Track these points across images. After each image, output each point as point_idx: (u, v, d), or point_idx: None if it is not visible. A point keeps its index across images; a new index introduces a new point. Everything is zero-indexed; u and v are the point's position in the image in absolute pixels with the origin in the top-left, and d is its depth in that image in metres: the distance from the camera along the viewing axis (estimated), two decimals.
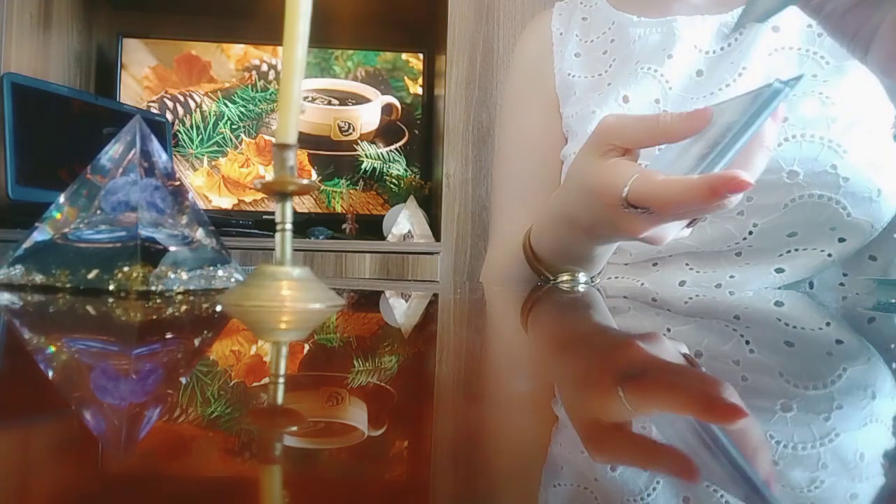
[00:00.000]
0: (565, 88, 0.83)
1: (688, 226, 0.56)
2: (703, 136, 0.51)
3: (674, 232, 0.54)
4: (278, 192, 0.38)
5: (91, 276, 0.42)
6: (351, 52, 2.06)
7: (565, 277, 0.66)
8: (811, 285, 0.73)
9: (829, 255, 0.69)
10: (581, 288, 0.65)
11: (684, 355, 0.30)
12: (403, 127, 2.06)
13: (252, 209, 1.99)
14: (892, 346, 0.36)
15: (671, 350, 0.32)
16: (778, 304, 0.57)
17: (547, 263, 0.67)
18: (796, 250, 0.70)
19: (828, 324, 0.48)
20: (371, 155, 2.03)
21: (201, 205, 1.86)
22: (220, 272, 0.46)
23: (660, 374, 0.26)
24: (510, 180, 0.88)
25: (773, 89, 0.48)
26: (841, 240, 0.68)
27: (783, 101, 0.49)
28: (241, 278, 0.47)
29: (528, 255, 0.68)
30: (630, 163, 0.54)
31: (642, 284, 0.76)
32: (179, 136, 1.98)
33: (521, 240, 0.71)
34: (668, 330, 0.40)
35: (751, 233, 0.69)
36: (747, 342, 0.34)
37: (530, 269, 0.69)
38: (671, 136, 0.53)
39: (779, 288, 0.72)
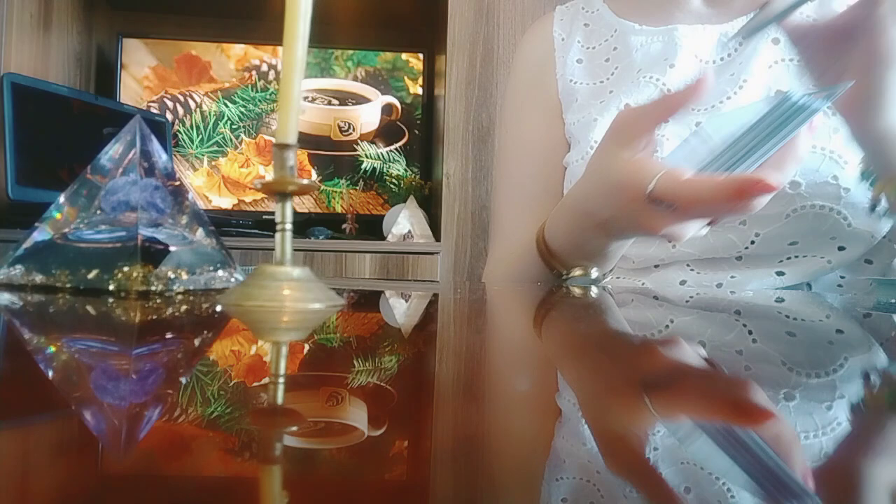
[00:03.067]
0: (567, 94, 0.83)
1: (708, 224, 0.56)
2: (722, 142, 0.52)
3: (693, 230, 0.55)
4: (278, 192, 0.38)
5: (91, 276, 0.42)
6: (351, 52, 2.06)
7: (578, 272, 0.66)
8: (809, 286, 0.73)
9: (829, 261, 0.70)
10: (592, 282, 0.65)
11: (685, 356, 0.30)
12: (403, 127, 2.06)
13: (252, 209, 1.99)
14: (892, 335, 0.36)
15: (680, 348, 0.32)
16: (779, 300, 0.57)
17: (560, 258, 0.67)
18: (796, 257, 0.70)
19: (828, 316, 0.48)
20: (371, 155, 2.03)
21: (201, 205, 1.86)
22: (220, 272, 0.46)
23: (675, 376, 0.26)
24: (511, 185, 0.88)
25: (796, 105, 0.49)
26: (841, 248, 0.69)
27: (816, 113, 0.50)
28: (241, 278, 0.47)
29: (542, 250, 0.68)
30: (654, 160, 0.55)
31: (643, 284, 0.76)
32: (179, 136, 1.98)
33: (527, 239, 0.71)
34: (672, 321, 0.40)
35: (752, 242, 0.70)
36: (750, 332, 0.34)
37: (539, 267, 0.69)
38: (678, 103, 0.54)
39: (777, 289, 0.72)
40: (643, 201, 0.53)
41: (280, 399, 0.21)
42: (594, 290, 0.62)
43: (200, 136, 1.99)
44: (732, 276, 0.73)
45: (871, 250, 0.70)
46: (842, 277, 0.74)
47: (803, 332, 0.39)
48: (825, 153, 0.66)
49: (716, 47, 0.76)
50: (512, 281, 0.79)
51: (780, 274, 0.71)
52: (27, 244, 0.45)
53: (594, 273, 0.66)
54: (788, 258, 0.71)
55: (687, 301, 0.57)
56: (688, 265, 0.74)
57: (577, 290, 0.61)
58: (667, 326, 0.39)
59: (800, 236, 0.69)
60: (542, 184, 0.84)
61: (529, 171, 0.86)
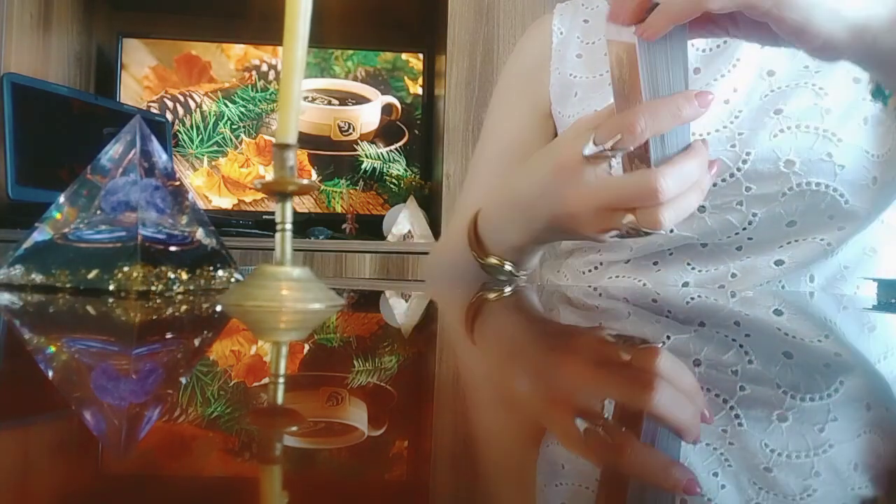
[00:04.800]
0: (564, 89, 0.84)
1: (626, 235, 0.54)
2: None
3: (620, 223, 0.52)
4: (278, 192, 0.38)
5: (91, 276, 0.42)
6: (351, 52, 2.05)
7: (493, 261, 0.65)
8: (811, 279, 0.73)
9: (829, 244, 0.70)
10: (507, 277, 0.65)
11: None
12: (403, 127, 2.06)
13: (252, 209, 1.99)
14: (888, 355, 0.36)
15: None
16: (777, 312, 0.57)
17: (484, 247, 0.66)
18: (796, 241, 0.71)
19: (826, 336, 0.48)
20: (371, 155, 2.03)
21: (201, 205, 1.86)
22: (220, 272, 0.46)
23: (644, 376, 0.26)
24: (482, 173, 0.88)
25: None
26: (840, 228, 0.69)
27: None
28: (241, 278, 0.47)
29: (470, 237, 0.68)
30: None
31: (644, 284, 0.76)
32: (179, 136, 1.98)
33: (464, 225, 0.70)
34: (668, 338, 0.40)
35: (750, 223, 0.70)
36: (746, 353, 0.35)
37: (466, 255, 0.68)
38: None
39: (779, 281, 0.72)
40: (577, 165, 0.53)
41: (280, 399, 0.21)
42: (592, 293, 0.62)
43: (200, 136, 1.99)
44: (733, 275, 0.73)
45: (875, 238, 0.71)
46: (845, 269, 0.73)
47: (799, 348, 0.39)
48: (818, 132, 0.67)
49: None
50: (441, 268, 0.78)
51: (779, 263, 0.71)
52: (27, 244, 0.45)
53: (507, 267, 0.66)
54: (788, 242, 0.71)
55: (687, 303, 0.57)
56: (688, 263, 0.74)
57: (576, 293, 0.61)
58: (663, 343, 0.39)
59: (798, 216, 0.69)
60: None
61: (503, 160, 0.86)
